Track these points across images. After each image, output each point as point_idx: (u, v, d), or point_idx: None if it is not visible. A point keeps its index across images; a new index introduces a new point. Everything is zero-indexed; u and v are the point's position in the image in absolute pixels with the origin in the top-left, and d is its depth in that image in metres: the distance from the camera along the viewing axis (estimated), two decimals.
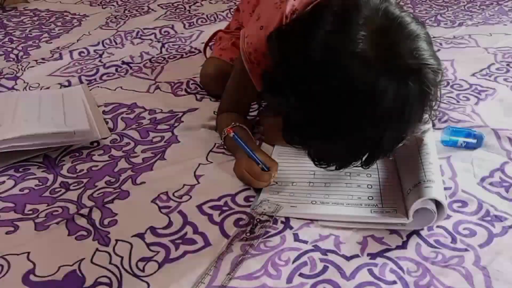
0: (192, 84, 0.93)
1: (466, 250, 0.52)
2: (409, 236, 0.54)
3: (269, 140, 0.73)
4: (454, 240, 0.53)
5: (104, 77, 0.99)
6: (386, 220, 0.55)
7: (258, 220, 0.56)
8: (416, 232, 0.54)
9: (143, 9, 1.40)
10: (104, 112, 0.85)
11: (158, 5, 1.42)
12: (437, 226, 0.55)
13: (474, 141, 0.69)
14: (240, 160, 0.64)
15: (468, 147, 0.69)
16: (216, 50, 0.89)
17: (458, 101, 0.83)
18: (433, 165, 0.58)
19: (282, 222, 0.57)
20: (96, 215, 0.59)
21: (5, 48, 1.16)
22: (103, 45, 1.14)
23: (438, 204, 0.53)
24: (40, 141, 0.70)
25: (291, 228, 0.56)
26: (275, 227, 0.56)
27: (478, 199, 0.59)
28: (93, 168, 0.69)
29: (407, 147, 0.64)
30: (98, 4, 1.48)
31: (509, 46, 1.02)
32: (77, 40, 1.19)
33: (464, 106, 0.81)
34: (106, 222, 0.58)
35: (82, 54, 1.10)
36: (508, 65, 0.95)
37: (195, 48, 1.11)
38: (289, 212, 0.57)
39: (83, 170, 0.69)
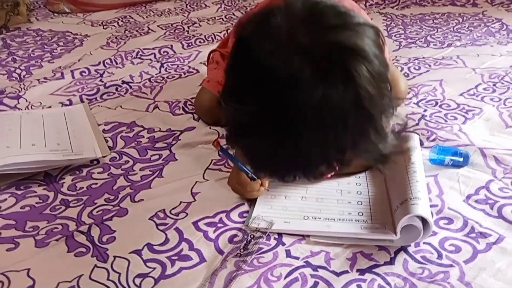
0: (189, 104, 0.96)
1: (451, 266, 0.54)
2: (396, 252, 0.56)
3: None
4: (440, 256, 0.55)
5: (105, 96, 1.02)
6: (375, 236, 0.57)
7: (252, 236, 0.58)
8: (404, 248, 0.56)
9: (143, 29, 1.45)
10: (104, 131, 0.88)
11: (158, 26, 1.46)
12: (424, 243, 0.57)
13: (461, 159, 0.71)
14: (232, 172, 0.67)
15: (455, 165, 0.71)
16: (213, 82, 0.86)
17: (446, 121, 0.86)
18: (419, 183, 0.60)
19: (275, 238, 0.59)
20: (95, 232, 0.61)
21: (8, 67, 1.19)
22: (104, 65, 1.18)
23: (424, 220, 0.55)
24: (46, 164, 0.74)
25: (283, 244, 0.58)
26: (268, 243, 0.58)
27: (464, 216, 0.61)
28: (93, 186, 0.71)
29: (396, 165, 0.67)
30: (99, 25, 1.52)
31: (495, 67, 1.06)
32: (79, 60, 1.22)
33: (452, 125, 0.83)
34: (104, 239, 0.60)
35: (83, 74, 1.13)
36: (494, 85, 0.98)
37: (193, 68, 1.14)
38: (282, 228, 0.60)
39: (83, 187, 0.71)
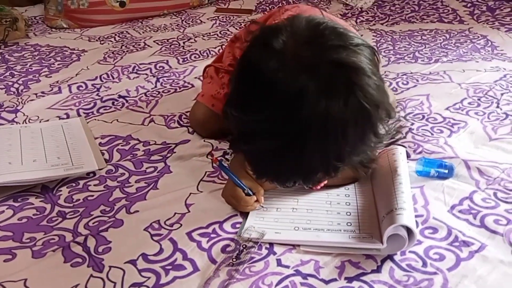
0: (184, 118, 0.99)
1: (435, 273, 0.56)
2: (383, 260, 0.58)
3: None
4: (424, 264, 0.57)
5: (101, 110, 1.04)
6: (363, 245, 0.59)
7: (244, 246, 0.60)
8: (390, 257, 0.58)
9: (139, 45, 1.47)
10: (100, 144, 0.90)
11: (154, 41, 1.49)
12: (410, 251, 0.59)
13: (446, 171, 0.74)
14: (226, 185, 0.69)
15: (440, 177, 0.74)
16: (207, 96, 0.89)
17: (432, 134, 0.89)
18: (404, 194, 0.63)
19: (266, 248, 0.61)
20: (91, 242, 0.63)
21: (6, 82, 1.21)
22: (101, 79, 1.20)
23: (409, 230, 0.57)
24: (46, 178, 0.76)
25: (274, 253, 0.60)
26: (259, 252, 0.60)
27: (448, 226, 0.63)
28: (89, 198, 0.73)
29: (383, 177, 0.70)
30: (96, 40, 1.55)
31: (479, 82, 1.09)
32: (76, 75, 1.24)
33: (438, 138, 0.86)
34: (100, 249, 0.61)
35: (81, 88, 1.15)
36: (479, 99, 1.02)
37: (188, 83, 1.17)
38: (273, 238, 0.62)
39: (79, 199, 0.73)
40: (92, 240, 0.63)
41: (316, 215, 0.66)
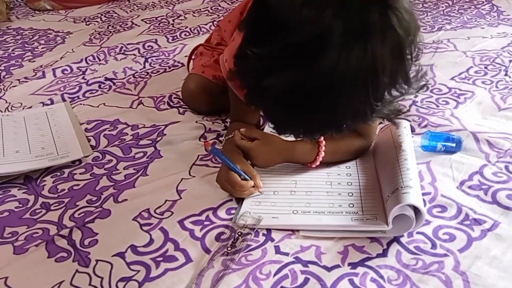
0: (174, 98, 0.93)
1: (445, 255, 0.52)
2: (389, 243, 0.54)
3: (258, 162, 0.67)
4: (434, 245, 0.53)
5: (87, 94, 0.99)
6: (367, 227, 0.55)
7: (239, 233, 0.56)
8: (397, 239, 0.54)
9: (126, 24, 1.41)
10: (86, 130, 0.85)
11: (142, 20, 1.43)
12: (417, 232, 0.55)
13: (453, 145, 0.69)
14: (221, 170, 0.65)
15: (448, 151, 0.69)
16: (197, 66, 0.89)
17: (437, 106, 0.84)
18: (410, 171, 0.58)
19: (263, 234, 0.57)
20: (76, 235, 0.59)
21: None
22: (86, 62, 1.14)
23: (417, 209, 0.53)
24: (29, 170, 0.72)
25: (272, 240, 0.56)
26: (256, 240, 0.56)
27: (458, 203, 0.59)
28: (75, 187, 0.69)
29: (386, 153, 0.65)
30: (82, 21, 1.48)
31: (486, 49, 1.04)
32: (60, 58, 1.19)
33: (444, 110, 0.81)
34: (86, 242, 0.57)
35: (65, 72, 1.10)
36: (485, 68, 0.96)
37: (178, 62, 1.11)
38: (270, 224, 0.57)
39: (64, 189, 0.69)
40: (77, 233, 0.59)
41: (316, 197, 0.62)
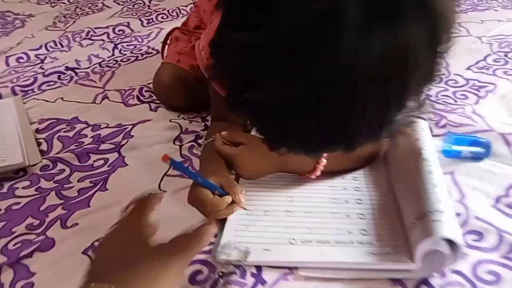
0: (146, 91, 0.79)
1: None
2: (417, 286, 0.41)
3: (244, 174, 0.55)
4: None
5: (43, 87, 0.84)
6: (387, 266, 0.42)
7: (220, 273, 0.43)
8: (425, 281, 0.42)
9: (96, 6, 1.25)
10: (37, 131, 0.70)
11: (114, 1, 1.27)
12: (452, 271, 0.42)
13: (483, 150, 0.57)
14: (191, 186, 0.50)
15: (474, 157, 0.57)
16: (172, 54, 0.74)
17: (455, 101, 0.71)
18: (438, 188, 0.46)
19: (252, 274, 0.44)
20: (6, 276, 0.45)
21: None
22: (46, 49, 0.99)
23: (451, 241, 0.41)
24: None
25: (263, 283, 0.43)
26: (243, 282, 0.43)
27: (496, 228, 0.47)
28: (14, 207, 0.55)
29: (403, 163, 0.53)
30: (47, 2, 1.32)
31: (504, 34, 0.92)
32: (17, 44, 1.03)
33: (463, 106, 0.69)
34: (18, 286, 0.44)
35: (21, 60, 0.95)
36: (505, 55, 0.84)
37: (153, 48, 0.97)
38: (261, 260, 0.44)
39: (0, 210, 0.54)
40: (9, 272, 0.45)
41: (318, 220, 0.49)
